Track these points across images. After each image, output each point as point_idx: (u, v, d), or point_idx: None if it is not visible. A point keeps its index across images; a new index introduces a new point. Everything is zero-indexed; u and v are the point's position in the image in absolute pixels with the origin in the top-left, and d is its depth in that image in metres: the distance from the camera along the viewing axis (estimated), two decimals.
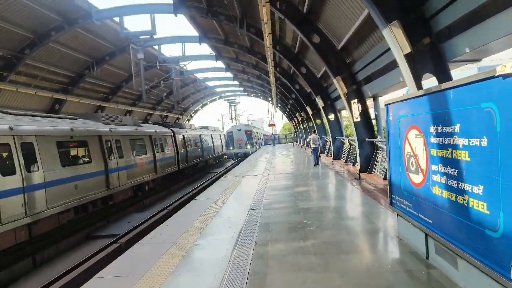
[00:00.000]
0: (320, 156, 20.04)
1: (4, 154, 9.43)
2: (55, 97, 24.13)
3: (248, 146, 39.37)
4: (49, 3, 16.57)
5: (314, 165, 17.48)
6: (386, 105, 5.83)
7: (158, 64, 24.82)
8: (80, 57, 23.04)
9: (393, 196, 5.75)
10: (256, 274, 4.70)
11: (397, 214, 5.66)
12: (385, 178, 10.71)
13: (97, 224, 13.20)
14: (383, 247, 5.74)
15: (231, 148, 39.92)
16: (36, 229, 10.44)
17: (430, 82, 6.55)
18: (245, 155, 35.70)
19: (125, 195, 16.76)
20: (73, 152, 12.93)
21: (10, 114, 10.95)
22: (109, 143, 15.12)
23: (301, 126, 37.63)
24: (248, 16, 17.19)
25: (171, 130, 24.84)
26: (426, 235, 4.62)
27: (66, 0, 16.77)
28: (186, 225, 7.47)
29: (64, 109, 25.01)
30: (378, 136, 13.50)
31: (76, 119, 14.46)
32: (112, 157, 15.07)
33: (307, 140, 23.84)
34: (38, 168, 10.32)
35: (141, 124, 21.32)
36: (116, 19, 18.74)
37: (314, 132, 20.39)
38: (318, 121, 24.98)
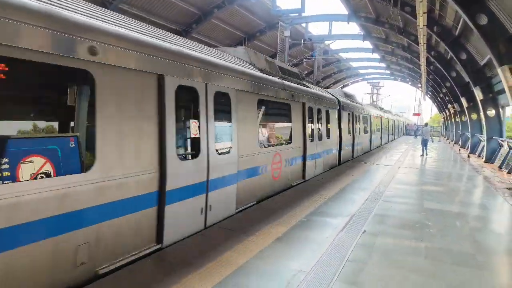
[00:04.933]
0: (469, 156, 20.26)
1: None
2: None
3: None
4: None
5: (421, 155, 19.69)
6: None
7: (303, 42, 25.25)
8: (235, 32, 25.32)
9: None
10: (356, 261, 4.68)
11: None
12: None
13: None
14: None
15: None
16: None
17: None
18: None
19: None
20: None
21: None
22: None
23: (453, 120, 33.11)
24: None
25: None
26: None
27: None
28: (301, 199, 7.79)
29: None
30: None
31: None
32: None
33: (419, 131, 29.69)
34: None
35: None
36: None
37: (426, 125, 22.96)
38: (474, 116, 21.60)
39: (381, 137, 27.58)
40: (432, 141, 26.05)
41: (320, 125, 12.05)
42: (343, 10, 22.93)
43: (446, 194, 9.53)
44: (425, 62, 19.98)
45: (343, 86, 58.71)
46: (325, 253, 4.88)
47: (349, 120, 16.30)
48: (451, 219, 6.93)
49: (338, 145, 14.62)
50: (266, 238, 5.35)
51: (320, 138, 11.98)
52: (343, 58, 40.55)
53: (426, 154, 19.73)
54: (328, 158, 13.17)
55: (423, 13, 10.99)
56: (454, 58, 17.07)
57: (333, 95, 15.02)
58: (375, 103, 61.23)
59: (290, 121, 9.54)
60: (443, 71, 22.39)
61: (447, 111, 35.94)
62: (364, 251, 5.04)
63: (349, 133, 16.39)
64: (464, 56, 16.30)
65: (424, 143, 20.11)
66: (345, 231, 5.83)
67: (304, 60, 29.87)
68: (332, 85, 53.83)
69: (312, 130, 11.36)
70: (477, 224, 6.84)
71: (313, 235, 5.62)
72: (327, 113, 12.92)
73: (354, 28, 75.99)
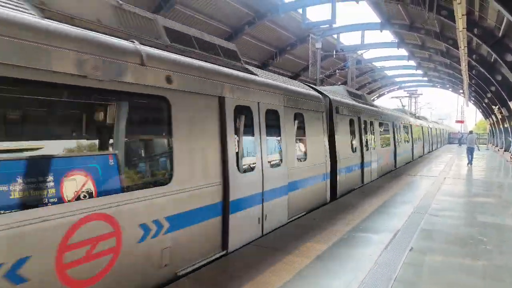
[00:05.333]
0: None
1: None
2: None
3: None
4: (245, 0, 18.96)
5: (467, 164, 18.82)
6: None
7: (335, 53, 24.96)
8: (266, 48, 25.50)
9: None
10: (404, 281, 4.32)
11: None
12: None
13: None
14: None
15: None
16: None
17: None
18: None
19: None
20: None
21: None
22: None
23: (500, 126, 31.06)
24: None
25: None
26: None
27: None
28: (342, 215, 7.46)
29: None
30: None
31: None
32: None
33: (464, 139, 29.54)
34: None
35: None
36: (299, 10, 19.80)
37: (471, 132, 21.93)
38: None
39: (429, 145, 27.89)
40: (479, 150, 24.28)
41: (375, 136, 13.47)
42: (375, 18, 22.39)
43: (499, 205, 8.78)
44: (466, 66, 18.96)
45: (379, 96, 57.22)
46: (370, 272, 4.55)
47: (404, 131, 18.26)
48: (509, 233, 6.31)
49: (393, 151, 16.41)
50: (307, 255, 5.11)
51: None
52: (377, 67, 39.58)
53: (471, 164, 18.97)
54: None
55: (462, 15, 10.44)
56: (499, 60, 16.05)
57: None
58: (413, 111, 59.03)
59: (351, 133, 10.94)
60: (487, 74, 21.11)
61: (493, 116, 33.81)
62: (412, 270, 4.65)
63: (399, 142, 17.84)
64: (510, 58, 15.26)
65: (470, 152, 19.36)
66: (390, 249, 5.45)
67: (337, 71, 29.47)
68: (367, 95, 52.62)
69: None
70: None
71: (356, 253, 5.29)
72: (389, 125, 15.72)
73: (387, 36, 74.73)
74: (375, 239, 5.93)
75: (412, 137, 21.46)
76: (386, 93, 57.46)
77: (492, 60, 19.61)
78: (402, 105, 44.04)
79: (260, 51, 25.65)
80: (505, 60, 15.41)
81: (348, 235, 6.10)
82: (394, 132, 16.73)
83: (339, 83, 37.74)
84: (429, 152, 28.68)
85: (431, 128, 31.57)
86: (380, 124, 14.56)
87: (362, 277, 4.39)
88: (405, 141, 19.44)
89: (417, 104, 63.47)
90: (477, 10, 14.91)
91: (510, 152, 21.80)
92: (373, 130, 13.27)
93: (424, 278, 4.41)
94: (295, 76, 32.34)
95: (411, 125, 21.58)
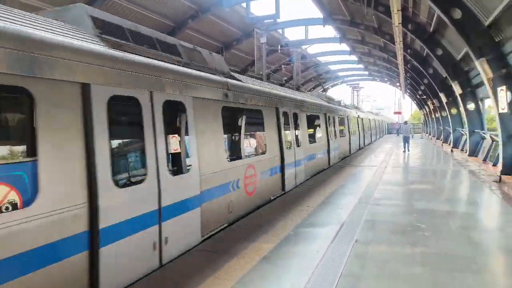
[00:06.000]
0: (452, 151, 20.69)
1: None
2: None
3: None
4: None
5: (403, 151, 20.66)
6: None
7: (280, 48, 25.12)
8: (212, 43, 24.96)
9: None
10: (350, 275, 4.30)
11: None
12: None
13: None
14: None
15: None
16: None
17: None
18: None
19: None
20: None
21: None
22: None
23: (433, 116, 33.52)
24: None
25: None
26: None
27: None
28: (287, 210, 7.40)
29: None
30: None
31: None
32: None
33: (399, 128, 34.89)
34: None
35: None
36: (243, 4, 19.56)
37: (406, 123, 24.49)
38: (454, 110, 21.80)
39: (371, 136, 29.03)
40: (412, 137, 27.94)
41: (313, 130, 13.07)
42: (318, 14, 22.88)
43: (434, 192, 9.32)
44: (402, 60, 20.05)
45: (323, 90, 59.00)
46: (317, 269, 4.49)
47: (339, 123, 17.49)
48: (444, 219, 6.66)
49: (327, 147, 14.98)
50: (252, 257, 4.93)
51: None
52: (322, 62, 40.72)
53: (408, 151, 20.73)
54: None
55: (398, 10, 10.88)
56: (431, 54, 17.14)
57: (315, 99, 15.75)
58: (356, 104, 61.82)
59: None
60: (420, 68, 22.56)
61: (426, 107, 36.41)
62: (357, 263, 4.67)
63: (335, 136, 16.48)
64: (440, 52, 16.36)
65: (406, 140, 21.20)
66: (336, 242, 5.46)
67: (283, 66, 29.77)
68: (312, 89, 54.03)
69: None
70: (470, 222, 6.59)
71: (303, 250, 5.22)
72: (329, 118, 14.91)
73: (330, 31, 77.08)
74: (322, 233, 5.93)
75: (349, 129, 20.59)
76: (330, 87, 59.43)
77: (425, 54, 20.93)
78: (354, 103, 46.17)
79: (205, 46, 24.98)
80: (436, 54, 16.48)
81: (294, 232, 6.03)
82: (327, 126, 15.05)
83: (285, 78, 38.29)
84: (370, 143, 30.10)
85: (372, 120, 33.08)
86: (309, 117, 12.68)
87: (309, 276, 4.30)
88: (340, 135, 17.91)
89: (359, 97, 66.62)
90: (410, 6, 15.75)
91: (448, 144, 23.47)
92: (298, 123, 11.29)
93: (369, 270, 4.44)
94: (242, 72, 32.15)
95: (348, 117, 20.63)
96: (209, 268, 4.53)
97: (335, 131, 16.60)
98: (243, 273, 4.38)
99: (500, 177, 10.45)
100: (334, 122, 16.61)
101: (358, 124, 24.89)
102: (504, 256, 5.01)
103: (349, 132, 20.46)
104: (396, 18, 11.34)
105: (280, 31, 25.70)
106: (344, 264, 4.61)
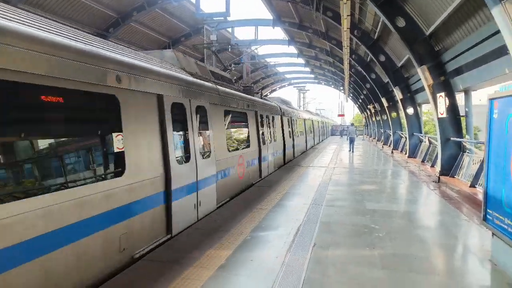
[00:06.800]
0: (393, 153, 22.00)
1: None
2: None
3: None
4: None
5: (349, 151, 22.25)
6: (490, 99, 4.76)
7: (230, 46, 24.83)
8: (158, 37, 23.95)
9: (488, 210, 4.73)
10: (312, 282, 4.14)
11: (493, 233, 4.64)
12: (472, 186, 9.30)
13: None
14: (469, 271, 4.74)
15: None
16: None
17: None
18: None
19: None
20: None
21: None
22: None
23: (374, 119, 35.41)
24: None
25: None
26: None
27: None
28: (242, 215, 7.13)
29: None
30: (467, 136, 11.81)
31: None
32: None
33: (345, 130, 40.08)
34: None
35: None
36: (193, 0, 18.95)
37: (352, 125, 26.99)
38: (394, 114, 23.13)
39: (318, 137, 32.42)
40: (357, 137, 30.65)
41: (269, 129, 13.57)
42: (268, 15, 23.00)
43: (383, 192, 9.65)
44: (348, 65, 20.81)
45: (272, 91, 59.83)
46: (278, 277, 4.26)
47: (289, 125, 18.01)
48: (394, 219, 6.84)
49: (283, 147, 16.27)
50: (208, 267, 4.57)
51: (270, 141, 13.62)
52: (270, 63, 41.17)
53: (353, 151, 22.10)
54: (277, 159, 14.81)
55: (347, 15, 11.14)
56: (374, 60, 17.97)
57: (275, 103, 16.51)
58: (302, 107, 63.50)
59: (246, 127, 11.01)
60: (364, 72, 23.65)
61: (368, 111, 38.38)
62: (318, 268, 4.53)
63: (289, 136, 17.93)
64: (383, 58, 17.21)
65: (351, 141, 22.86)
66: (295, 247, 5.29)
67: (233, 65, 29.49)
68: (261, 90, 54.49)
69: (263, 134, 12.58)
70: (418, 221, 6.84)
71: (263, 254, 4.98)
72: (273, 119, 14.55)
73: (279, 33, 78.30)
74: (281, 235, 5.74)
75: (293, 131, 18.91)
76: (277, 88, 60.47)
77: (368, 59, 21.96)
78: (300, 105, 47.10)
79: (151, 40, 23.96)
80: (379, 60, 17.30)
81: (251, 236, 5.77)
82: (258, 127, 12.00)
83: (235, 78, 38.04)
84: (316, 144, 30.96)
85: (316, 121, 34.02)
86: (233, 114, 9.81)
87: (271, 285, 4.06)
88: (274, 139, 14.54)
89: (305, 99, 68.57)
90: (357, 13, 16.33)
91: (389, 145, 24.79)
92: (217, 124, 8.44)
93: (331, 276, 4.32)
94: None
95: (291, 118, 18.84)
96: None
97: (289, 131, 17.99)
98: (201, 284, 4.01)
99: (439, 178, 11.15)
100: (290, 123, 18.32)
101: (310, 126, 27.32)
102: (451, 254, 5.21)
103: (305, 132, 22.63)
104: (345, 23, 11.61)
105: (230, 30, 25.41)
106: (305, 271, 4.44)
